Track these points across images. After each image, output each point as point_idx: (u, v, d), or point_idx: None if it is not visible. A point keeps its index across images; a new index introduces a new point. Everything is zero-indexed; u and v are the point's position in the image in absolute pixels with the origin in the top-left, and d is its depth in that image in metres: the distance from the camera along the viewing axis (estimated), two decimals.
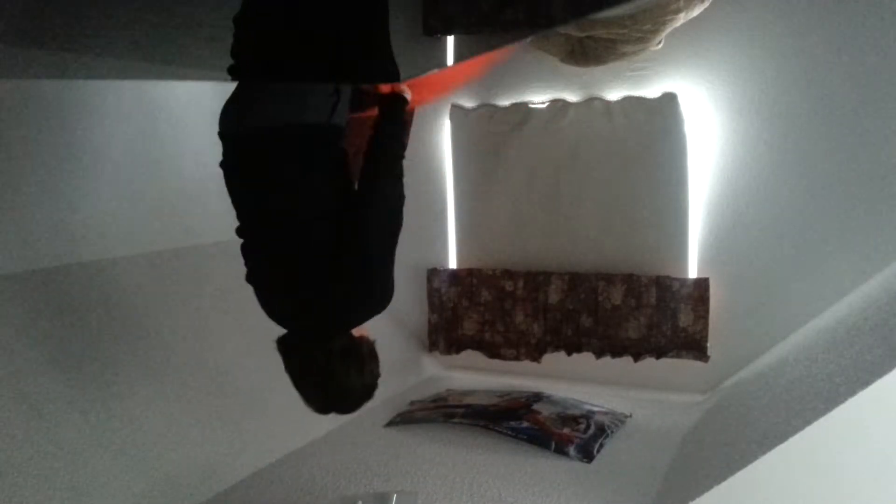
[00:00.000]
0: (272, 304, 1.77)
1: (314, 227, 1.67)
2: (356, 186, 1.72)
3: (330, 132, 1.73)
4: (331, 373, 1.71)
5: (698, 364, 3.12)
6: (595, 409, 2.87)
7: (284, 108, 1.66)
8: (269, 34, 1.60)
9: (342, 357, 1.72)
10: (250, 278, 1.79)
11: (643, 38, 2.54)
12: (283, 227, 1.68)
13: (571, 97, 3.26)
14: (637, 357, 3.23)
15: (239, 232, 1.77)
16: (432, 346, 3.72)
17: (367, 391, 1.79)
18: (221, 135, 1.73)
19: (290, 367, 1.75)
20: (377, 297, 1.75)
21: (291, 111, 1.67)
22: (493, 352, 3.56)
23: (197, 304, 2.73)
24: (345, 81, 1.73)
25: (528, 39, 2.74)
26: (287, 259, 1.69)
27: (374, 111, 1.82)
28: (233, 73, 1.64)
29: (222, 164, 1.75)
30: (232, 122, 1.71)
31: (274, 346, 1.76)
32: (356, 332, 1.80)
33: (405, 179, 1.77)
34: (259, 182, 1.69)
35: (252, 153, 1.68)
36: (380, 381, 1.85)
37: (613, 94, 3.17)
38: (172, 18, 1.54)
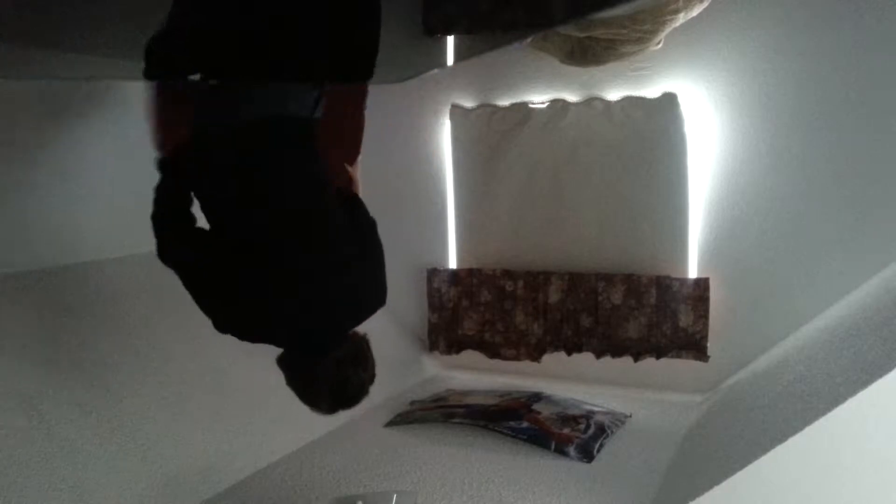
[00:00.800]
0: (266, 318, 1.70)
1: (318, 224, 1.68)
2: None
3: (315, 127, 1.73)
4: (345, 379, 1.71)
5: (698, 364, 3.11)
6: (595, 409, 2.87)
7: (278, 101, 1.65)
8: (245, 33, 1.53)
9: (351, 362, 1.72)
10: (231, 305, 1.68)
11: (643, 39, 2.54)
12: (289, 223, 1.65)
13: (571, 97, 3.26)
14: (637, 357, 3.23)
15: (227, 244, 1.65)
16: (432, 346, 3.72)
17: (372, 381, 1.80)
18: (208, 132, 1.65)
19: (298, 382, 1.73)
20: (381, 293, 1.79)
21: (285, 103, 1.66)
22: (493, 352, 3.55)
23: None
24: (331, 81, 1.72)
25: (528, 39, 2.74)
26: (294, 261, 1.66)
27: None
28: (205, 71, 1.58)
29: (208, 170, 1.66)
30: (225, 116, 1.65)
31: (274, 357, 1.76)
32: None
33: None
34: (264, 178, 1.63)
35: (254, 147, 1.65)
36: (380, 381, 1.85)
37: (613, 94, 3.17)
38: None
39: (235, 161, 1.66)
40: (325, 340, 1.72)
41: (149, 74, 1.54)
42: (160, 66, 1.54)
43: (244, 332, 1.74)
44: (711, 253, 3.08)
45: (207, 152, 1.68)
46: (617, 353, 3.27)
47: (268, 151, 1.65)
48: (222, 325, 1.71)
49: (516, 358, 3.49)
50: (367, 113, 2.00)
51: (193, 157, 1.68)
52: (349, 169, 2.00)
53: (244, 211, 1.66)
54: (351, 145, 2.04)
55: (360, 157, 2.05)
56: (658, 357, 3.18)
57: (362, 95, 1.99)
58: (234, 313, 1.71)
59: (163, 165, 1.72)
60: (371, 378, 1.78)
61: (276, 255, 1.65)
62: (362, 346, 1.77)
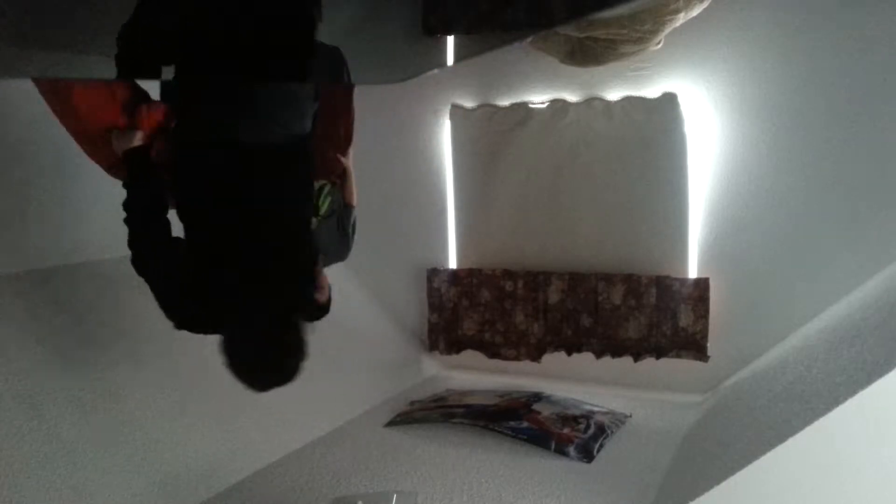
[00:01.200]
0: (236, 316, 1.74)
1: (301, 227, 1.72)
2: None
3: (312, 138, 1.75)
4: (283, 363, 1.74)
5: (698, 364, 3.11)
6: (595, 409, 2.87)
7: (286, 115, 1.66)
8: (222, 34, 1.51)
9: (294, 345, 1.75)
10: (214, 299, 1.71)
11: (643, 39, 2.54)
12: (283, 227, 1.68)
13: (571, 97, 3.26)
14: (637, 357, 3.23)
15: (212, 244, 1.68)
16: (432, 346, 3.71)
17: (305, 359, 1.80)
18: (206, 142, 1.64)
19: (239, 367, 1.74)
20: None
21: (293, 118, 1.67)
22: (493, 352, 3.55)
23: None
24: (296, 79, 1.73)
25: (529, 39, 2.74)
26: (275, 258, 1.71)
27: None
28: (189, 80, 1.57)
29: (202, 176, 1.66)
30: (228, 129, 1.64)
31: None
32: None
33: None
34: (269, 189, 1.66)
35: (263, 161, 1.65)
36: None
37: (613, 94, 3.17)
38: None
39: (240, 175, 1.67)
40: (280, 331, 1.75)
41: (125, 62, 1.48)
42: (135, 56, 1.48)
43: (209, 327, 1.77)
44: (711, 253, 3.08)
45: (205, 160, 1.67)
46: (617, 353, 3.27)
47: (275, 172, 1.68)
48: (188, 324, 1.76)
49: (516, 358, 3.49)
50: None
51: (188, 164, 1.68)
52: (342, 160, 2.06)
53: (241, 219, 1.68)
54: (344, 137, 2.09)
55: (351, 148, 2.10)
56: (658, 357, 3.18)
57: (351, 89, 2.04)
58: (203, 312, 1.73)
59: (139, 160, 1.68)
60: (305, 356, 1.79)
61: (261, 260, 1.68)
62: (302, 332, 1.79)
